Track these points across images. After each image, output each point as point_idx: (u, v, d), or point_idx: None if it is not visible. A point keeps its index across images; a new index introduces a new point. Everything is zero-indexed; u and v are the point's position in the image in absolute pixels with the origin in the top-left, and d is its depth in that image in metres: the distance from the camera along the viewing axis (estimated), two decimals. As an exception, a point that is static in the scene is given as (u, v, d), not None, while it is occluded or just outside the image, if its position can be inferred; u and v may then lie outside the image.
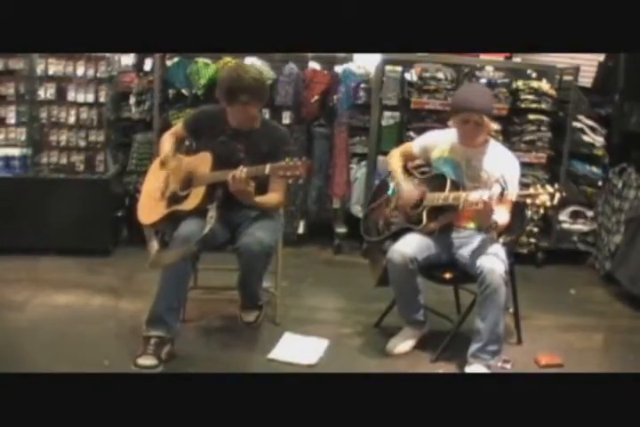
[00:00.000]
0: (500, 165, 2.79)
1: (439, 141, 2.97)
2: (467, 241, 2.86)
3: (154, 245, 2.95)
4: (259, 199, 2.82)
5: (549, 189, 2.41)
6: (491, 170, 2.80)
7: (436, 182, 2.85)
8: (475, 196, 2.61)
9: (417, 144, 3.06)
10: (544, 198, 2.39)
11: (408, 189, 2.93)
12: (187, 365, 2.70)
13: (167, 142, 3.06)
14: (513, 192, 2.49)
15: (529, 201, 2.44)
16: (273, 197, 2.89)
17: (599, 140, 4.51)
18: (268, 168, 2.63)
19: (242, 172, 2.66)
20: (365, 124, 4.52)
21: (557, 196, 2.38)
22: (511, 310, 3.09)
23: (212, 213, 2.77)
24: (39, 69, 4.04)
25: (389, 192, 3.10)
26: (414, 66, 4.35)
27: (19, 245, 3.98)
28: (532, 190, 2.44)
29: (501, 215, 2.71)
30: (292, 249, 4.07)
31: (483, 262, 2.67)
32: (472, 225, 2.92)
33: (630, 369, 2.91)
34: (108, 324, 3.09)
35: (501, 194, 2.46)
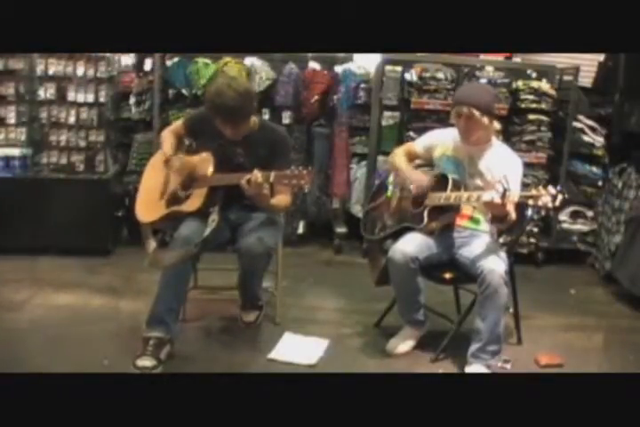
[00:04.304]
0: (503, 164, 2.78)
1: (442, 140, 2.96)
2: (467, 241, 2.86)
3: (151, 243, 2.94)
4: (273, 201, 2.82)
5: (552, 190, 2.40)
6: (493, 169, 2.79)
7: (438, 182, 2.85)
8: (489, 195, 2.59)
9: (420, 143, 3.06)
10: (546, 200, 2.39)
11: (419, 177, 2.92)
12: (187, 365, 2.70)
13: (168, 140, 3.03)
14: (515, 193, 2.48)
15: (531, 202, 2.43)
16: (283, 199, 2.88)
17: (599, 141, 4.51)
18: (272, 176, 2.62)
19: (257, 176, 2.64)
20: (365, 124, 4.52)
21: (559, 197, 2.38)
22: (511, 310, 3.09)
23: (215, 217, 2.77)
24: (39, 69, 4.04)
25: (388, 194, 3.10)
26: (414, 66, 4.35)
27: (19, 245, 3.99)
28: (534, 192, 2.43)
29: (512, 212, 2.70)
30: (291, 249, 4.07)
31: (483, 262, 2.67)
32: (473, 224, 2.91)
33: (630, 369, 2.91)
34: (108, 324, 3.09)
35: (503, 194, 2.46)
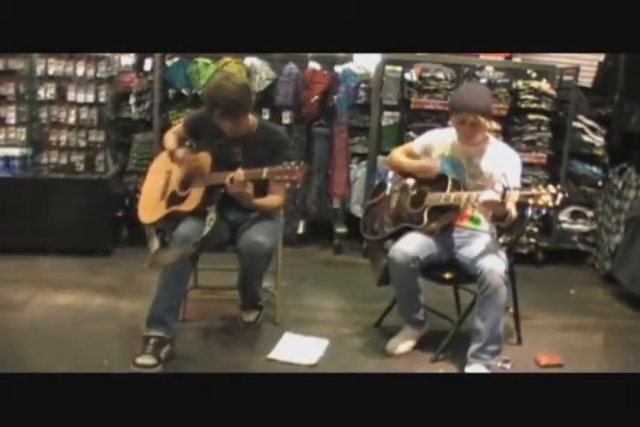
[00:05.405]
0: (502, 162, 2.79)
1: (440, 140, 2.97)
2: (467, 241, 2.86)
3: (154, 243, 2.95)
4: (258, 201, 2.83)
5: (552, 189, 2.40)
6: (492, 168, 2.80)
7: (438, 182, 2.85)
8: (487, 194, 2.60)
9: (418, 143, 3.06)
10: (546, 199, 2.39)
11: (425, 162, 2.92)
12: (187, 365, 2.70)
13: (171, 139, 3.06)
14: (515, 192, 2.49)
15: (531, 201, 2.44)
16: (272, 199, 2.89)
17: (599, 141, 4.51)
18: (265, 172, 2.64)
19: (239, 175, 2.67)
20: (365, 124, 4.53)
21: (560, 196, 2.38)
22: (511, 310, 3.09)
23: (212, 215, 2.78)
24: (39, 69, 4.04)
25: (387, 192, 3.10)
26: (414, 66, 4.36)
27: (19, 245, 3.99)
28: (534, 191, 2.44)
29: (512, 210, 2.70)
30: (291, 249, 4.06)
31: (483, 262, 2.67)
32: (473, 224, 2.91)
33: (630, 369, 2.91)
34: (108, 324, 3.09)
35: (503, 194, 2.46)
